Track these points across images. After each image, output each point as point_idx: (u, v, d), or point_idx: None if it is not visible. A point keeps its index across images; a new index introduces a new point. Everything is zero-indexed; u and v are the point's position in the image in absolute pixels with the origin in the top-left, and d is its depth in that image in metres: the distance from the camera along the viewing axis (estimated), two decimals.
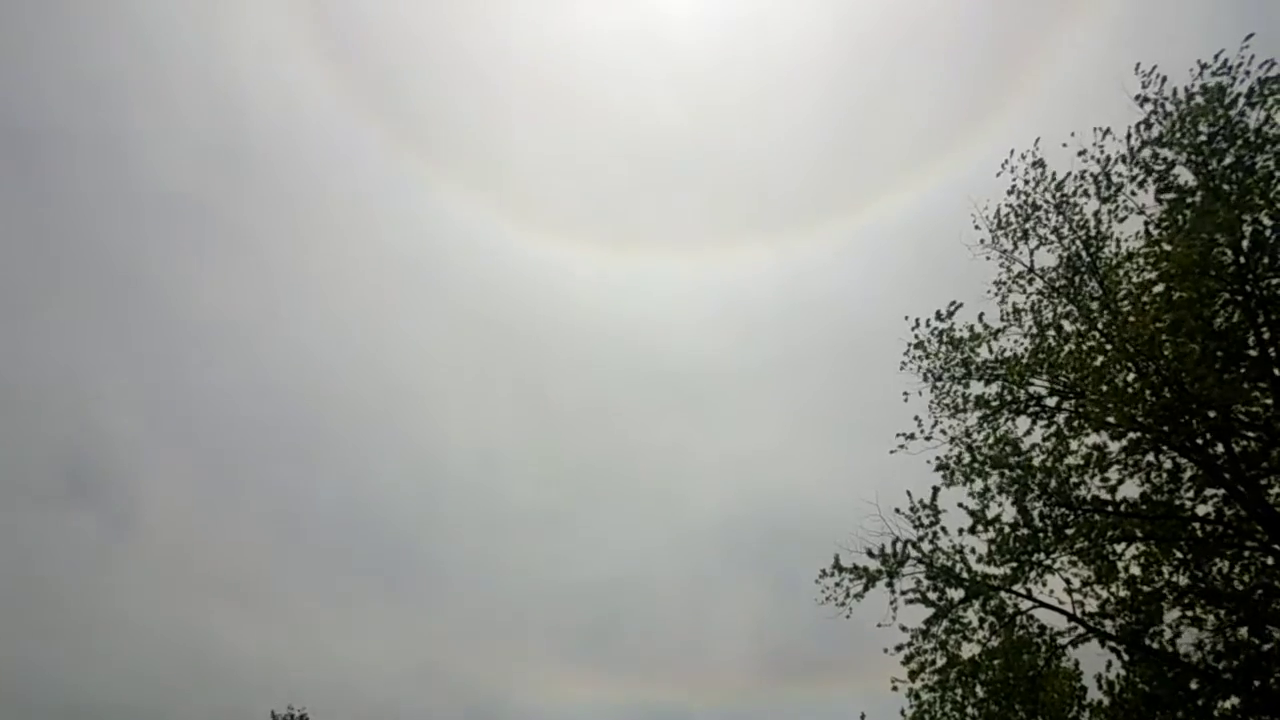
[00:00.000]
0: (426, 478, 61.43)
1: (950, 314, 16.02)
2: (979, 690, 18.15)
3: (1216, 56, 14.55)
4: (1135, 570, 15.05)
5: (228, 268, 65.11)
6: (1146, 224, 14.52)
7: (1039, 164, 15.68)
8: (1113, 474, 14.89)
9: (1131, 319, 13.88)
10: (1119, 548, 15.12)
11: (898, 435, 16.17)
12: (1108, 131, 15.16)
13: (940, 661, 16.40)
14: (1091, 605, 15.37)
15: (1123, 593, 15.04)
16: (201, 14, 61.28)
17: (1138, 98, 14.91)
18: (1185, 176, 14.46)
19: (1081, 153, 15.29)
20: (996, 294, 15.88)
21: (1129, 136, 14.98)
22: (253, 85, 63.58)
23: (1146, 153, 14.83)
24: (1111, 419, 14.26)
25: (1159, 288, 14.04)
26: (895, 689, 17.46)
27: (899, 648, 16.36)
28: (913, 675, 16.55)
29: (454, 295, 67.83)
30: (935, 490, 15.81)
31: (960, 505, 15.92)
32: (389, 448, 62.59)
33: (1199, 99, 14.39)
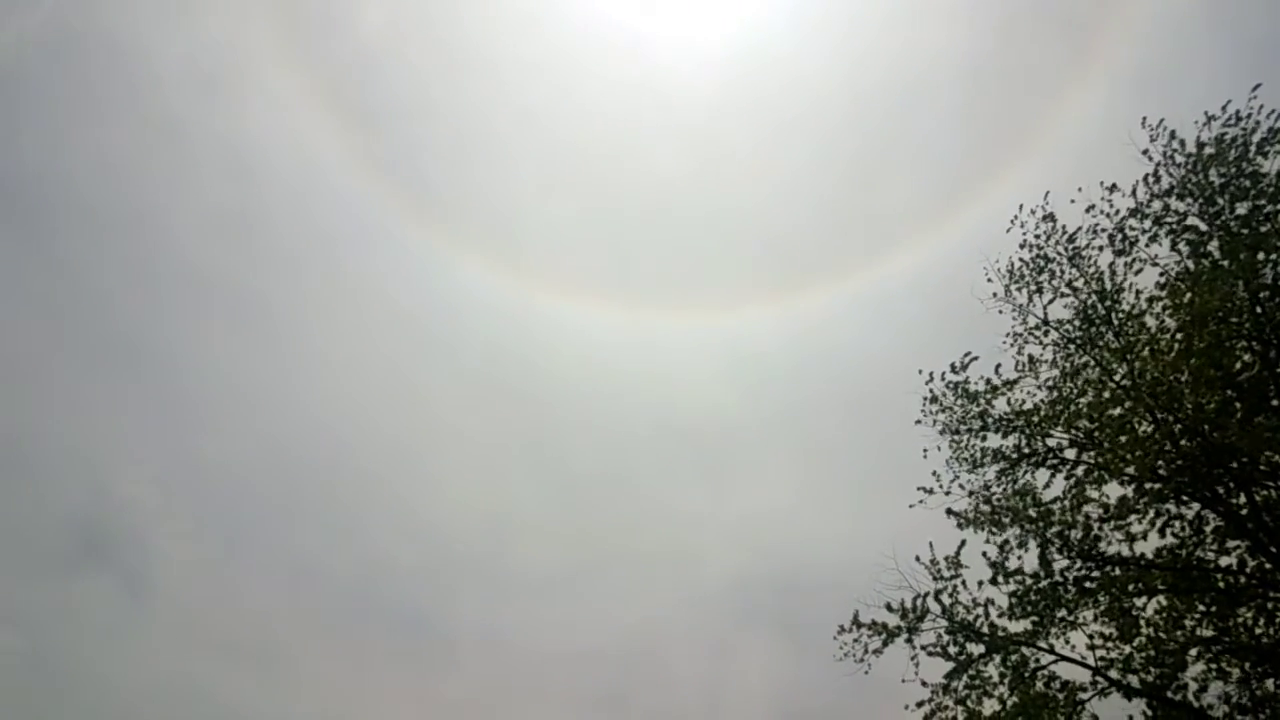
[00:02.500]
0: (437, 544, 61.11)
1: (965, 366, 16.02)
2: None
3: (1224, 107, 14.79)
4: (1158, 623, 14.90)
5: (241, 337, 65.40)
6: (1163, 274, 14.61)
7: (1049, 218, 15.79)
8: (1135, 526, 14.83)
9: (1150, 370, 13.90)
10: (1140, 601, 15.01)
11: (918, 489, 16.12)
12: (1114, 188, 15.34)
13: (961, 717, 16.20)
14: (1114, 656, 15.21)
15: (1146, 648, 14.88)
16: (219, 89, 62.23)
17: (1145, 151, 15.12)
18: (1199, 226, 14.63)
19: (1090, 208, 15.44)
20: (1011, 345, 15.89)
21: (1134, 191, 15.17)
22: (268, 157, 64.31)
23: (1157, 205, 15.00)
24: (1131, 469, 14.24)
25: (1178, 338, 14.09)
26: None
27: (919, 704, 16.15)
28: None
29: (464, 359, 67.97)
30: (961, 545, 15.71)
31: (984, 555, 15.83)
32: (400, 515, 62.33)
33: (1209, 149, 14.61)
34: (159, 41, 59.62)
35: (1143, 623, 15.00)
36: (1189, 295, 14.14)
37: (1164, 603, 14.96)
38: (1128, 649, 14.99)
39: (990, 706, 15.98)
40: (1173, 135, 14.99)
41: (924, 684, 15.96)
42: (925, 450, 16.25)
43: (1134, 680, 15.09)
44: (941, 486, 16.04)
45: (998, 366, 15.82)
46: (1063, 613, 15.08)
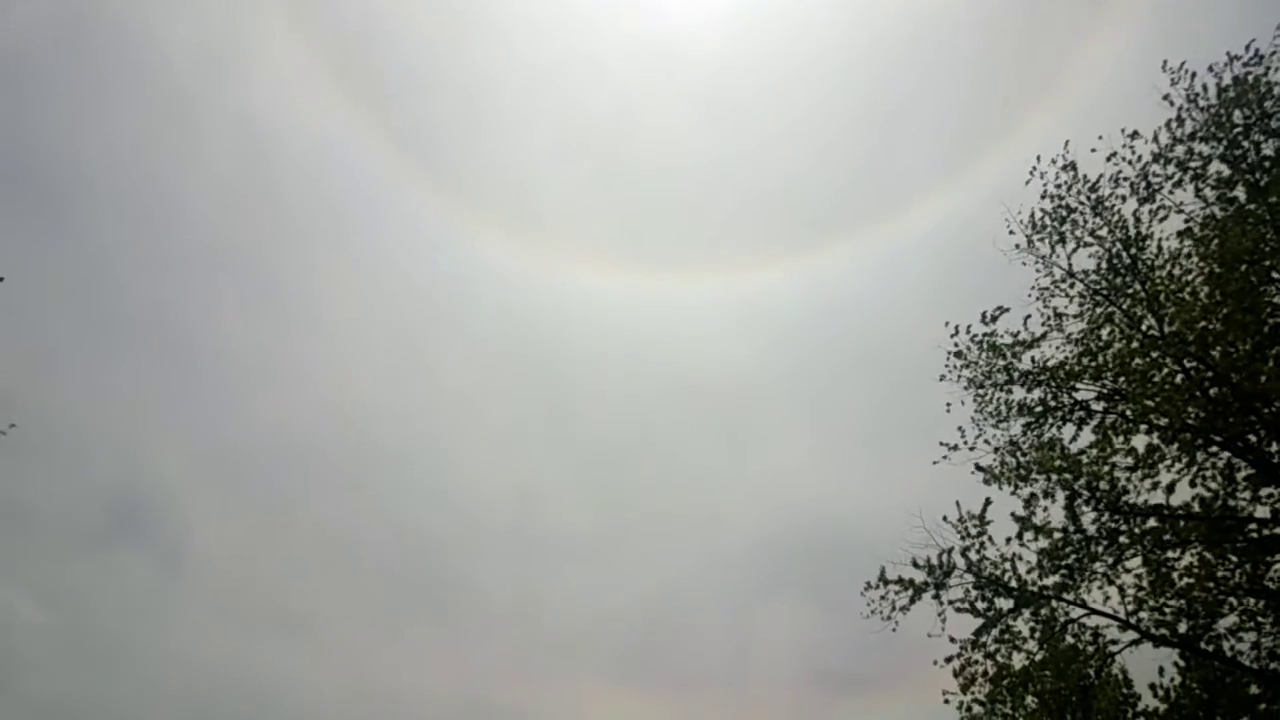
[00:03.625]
0: (463, 513, 61.46)
1: (995, 318, 15.81)
2: (1030, 701, 17.89)
3: (1248, 47, 14.50)
4: (1192, 575, 14.77)
5: (261, 313, 65.62)
6: (1188, 221, 14.36)
7: (1070, 167, 15.51)
8: (1164, 475, 14.66)
9: (1178, 318, 13.70)
10: (1173, 554, 14.88)
11: (941, 445, 15.93)
12: (1135, 134, 15.04)
13: (991, 672, 16.17)
14: (1145, 611, 15.11)
15: (1179, 599, 14.77)
16: (228, 67, 62.06)
17: (1167, 96, 14.82)
18: (1224, 169, 14.35)
19: (1111, 156, 15.15)
20: (1036, 299, 15.66)
21: (1155, 137, 14.87)
22: (279, 133, 64.20)
23: (1180, 150, 14.71)
24: (1160, 418, 14.08)
25: (1206, 284, 13.88)
26: (946, 701, 17.23)
27: (948, 659, 16.14)
28: (964, 687, 16.34)
29: (481, 330, 68.08)
30: (988, 502, 15.57)
31: (1011, 514, 15.68)
32: (425, 485, 62.67)
33: (1232, 91, 14.32)
34: (166, 21, 59.41)
35: (1176, 575, 14.87)
36: (1216, 240, 13.92)
37: (1197, 555, 14.82)
38: (1160, 600, 14.87)
39: (1019, 660, 15.98)
40: (1194, 78, 14.71)
41: (952, 639, 15.90)
42: (949, 405, 16.07)
43: (1166, 632, 15.00)
44: (966, 442, 15.89)
45: (1026, 318, 15.62)
46: (1094, 566, 14.94)
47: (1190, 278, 14.33)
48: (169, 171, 62.73)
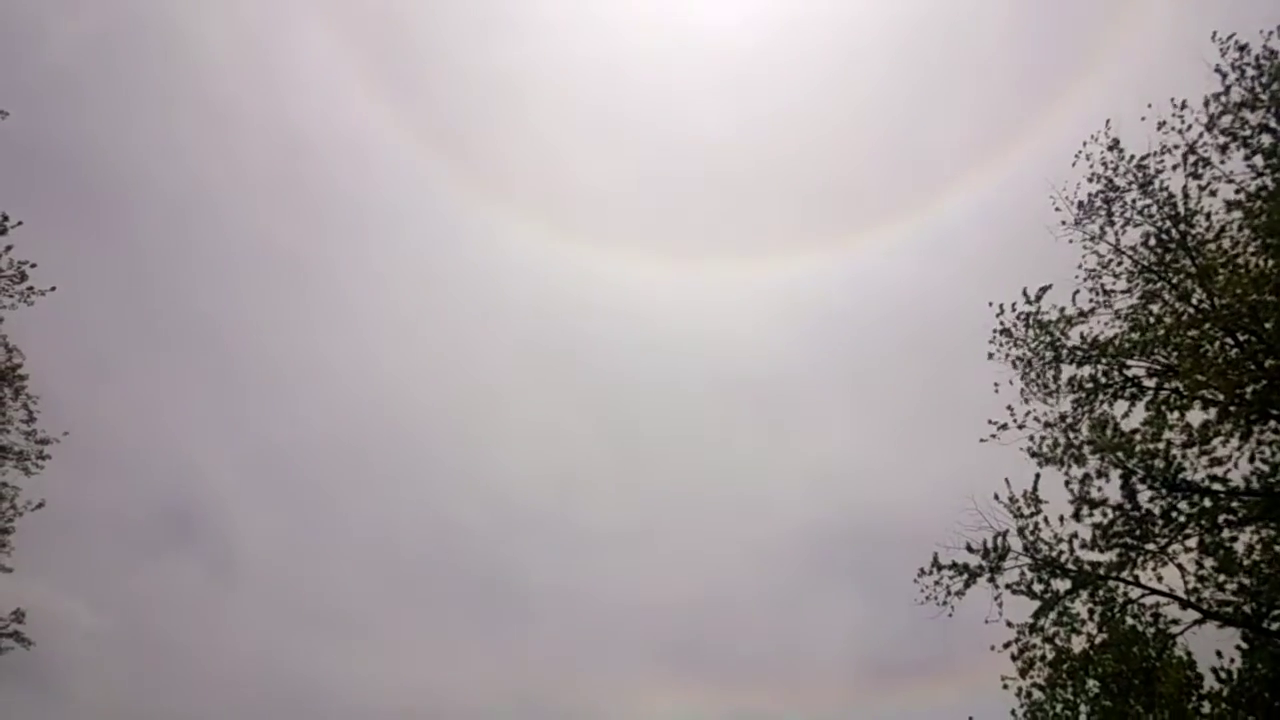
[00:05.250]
0: (505, 506, 61.90)
1: (1039, 296, 15.72)
2: (1091, 686, 17.64)
3: None
4: (1254, 553, 14.52)
5: (307, 312, 66.82)
6: (1238, 191, 14.20)
7: (1115, 145, 15.42)
8: (1219, 450, 14.45)
9: (1230, 290, 13.52)
10: (1233, 531, 14.64)
11: (990, 423, 15.83)
12: (1184, 104, 14.93)
13: (1050, 656, 15.96)
14: (1207, 590, 14.87)
15: (1244, 578, 14.52)
16: (268, 69, 63.58)
17: (1216, 67, 14.70)
18: (1274, 136, 14.20)
19: (1161, 124, 15.02)
20: (1085, 278, 15.55)
21: (1206, 104, 14.74)
22: (322, 135, 65.57)
23: (1227, 119, 14.58)
24: (1214, 392, 13.90)
25: (1257, 257, 13.71)
26: (1005, 687, 17.06)
27: (1006, 645, 15.97)
28: (1023, 672, 16.14)
29: (523, 324, 68.62)
30: (1037, 477, 15.48)
31: (1065, 485, 15.53)
32: (468, 479, 63.20)
33: None
34: (203, 28, 60.93)
35: (1240, 553, 14.63)
36: (1266, 210, 13.75)
37: (1258, 533, 14.57)
38: (1222, 578, 14.63)
39: (1079, 643, 15.76)
40: (1243, 49, 14.59)
41: (1009, 624, 15.77)
42: (996, 385, 15.99)
43: (1230, 610, 14.75)
44: (1015, 420, 15.77)
45: (1075, 294, 15.50)
46: (1151, 545, 14.75)
47: (1241, 250, 14.14)
48: (211, 176, 64.21)
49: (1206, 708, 17.44)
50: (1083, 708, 18.72)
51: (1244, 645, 15.59)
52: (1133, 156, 15.17)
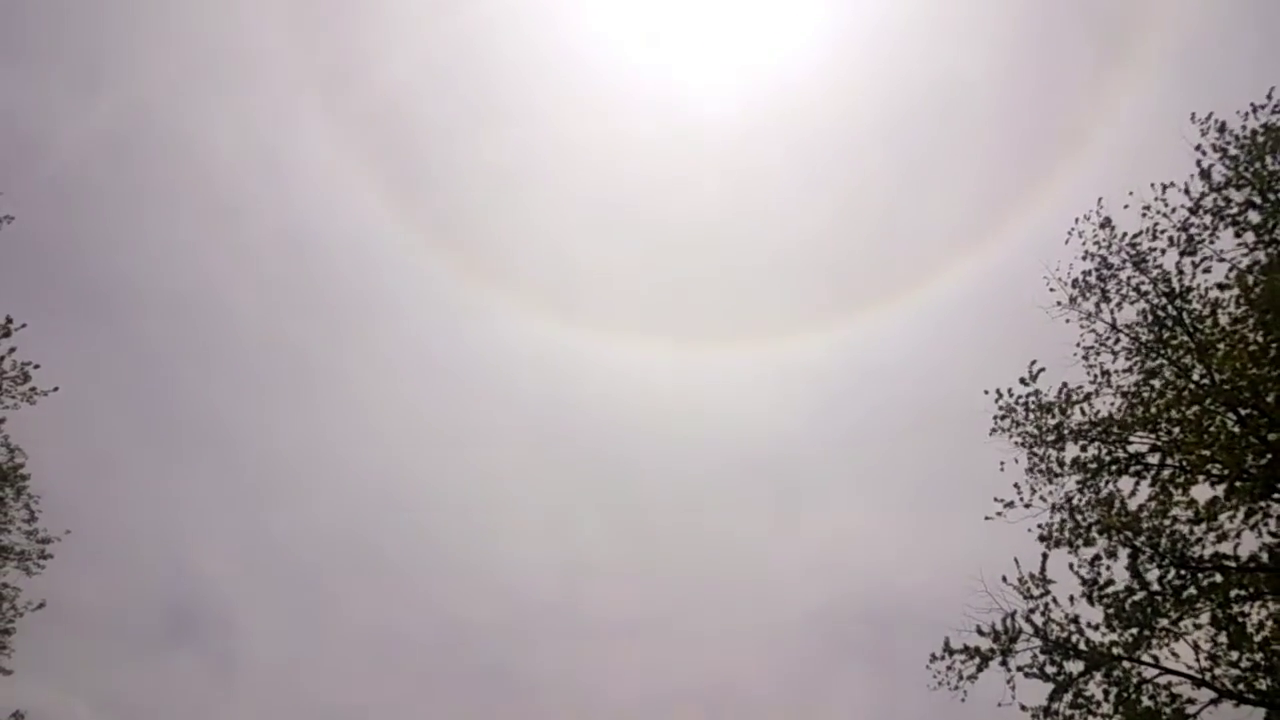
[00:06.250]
0: (512, 597, 61.29)
1: (1034, 377, 15.79)
2: None
3: (1269, 95, 14.71)
4: (1268, 628, 14.36)
5: (311, 405, 67.04)
6: (1232, 269, 14.35)
7: (1106, 223, 15.63)
8: (1227, 525, 14.38)
9: (1229, 365, 13.59)
10: (1247, 608, 14.50)
11: (996, 500, 15.78)
12: (1169, 185, 15.17)
13: None
14: (1221, 668, 14.68)
15: (1256, 654, 14.33)
16: (271, 169, 64.71)
17: (1198, 146, 14.96)
18: (1261, 213, 14.40)
19: (1146, 209, 15.25)
20: (1083, 356, 15.63)
21: (1186, 189, 14.99)
22: (325, 231, 66.47)
23: (1215, 199, 14.79)
24: (1219, 468, 13.88)
25: (1255, 332, 13.80)
26: None
27: None
28: None
29: (525, 412, 68.68)
30: (1045, 558, 15.38)
31: (1071, 567, 15.46)
32: (473, 572, 62.74)
33: (1261, 137, 14.47)
34: (210, 126, 62.07)
35: (1251, 629, 14.47)
36: (1261, 285, 13.88)
37: (1272, 607, 14.43)
38: (1236, 656, 14.44)
39: None
40: (1223, 128, 14.86)
41: (1023, 708, 15.52)
42: (1002, 463, 15.97)
43: (1244, 688, 14.53)
44: (1021, 499, 15.71)
45: (1064, 385, 15.59)
46: (1163, 623, 14.60)
47: (1238, 325, 14.23)
48: (217, 272, 64.93)
49: None
50: None
51: None
52: (1125, 234, 15.38)
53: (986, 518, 16.10)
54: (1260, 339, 13.91)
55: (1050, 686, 15.31)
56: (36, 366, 17.80)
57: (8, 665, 18.58)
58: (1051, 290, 15.84)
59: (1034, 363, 15.99)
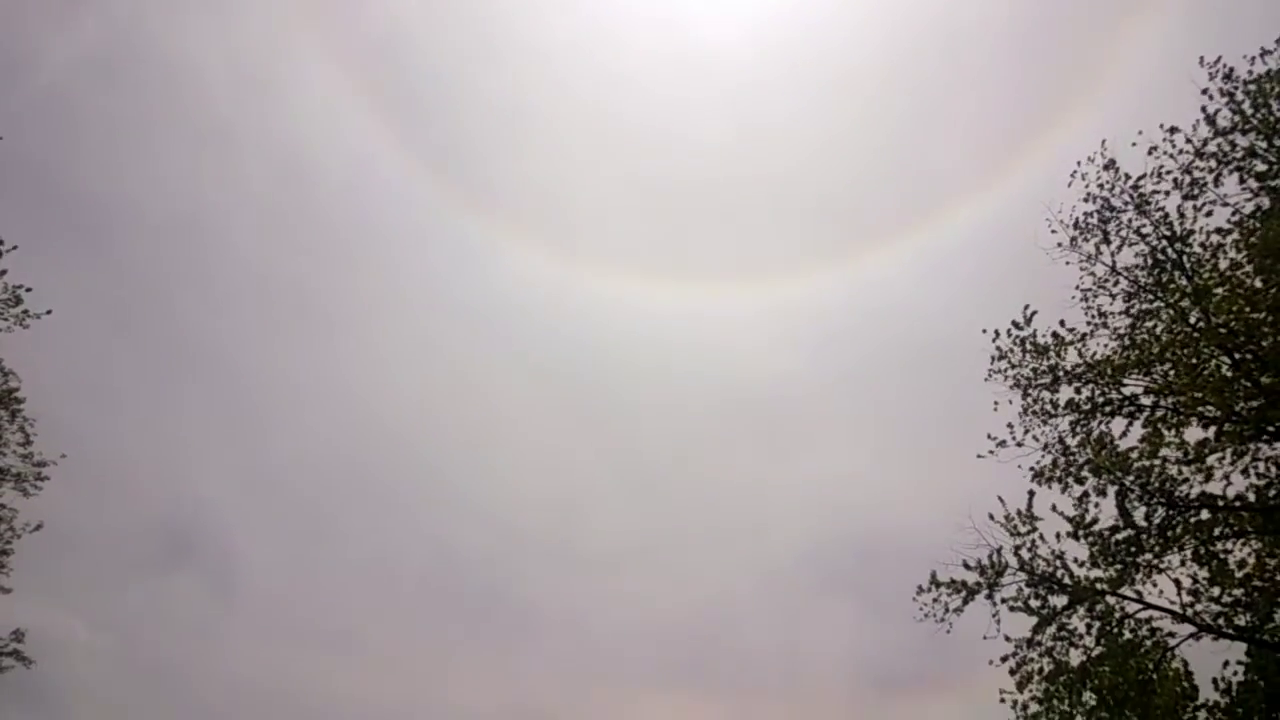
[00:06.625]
0: (506, 527, 61.86)
1: (1028, 320, 15.85)
2: (1088, 698, 17.85)
3: (1278, 40, 14.58)
4: (1249, 566, 14.73)
5: (303, 335, 66.66)
6: (1235, 214, 14.38)
7: (1110, 165, 15.54)
8: (1215, 466, 14.63)
9: (1225, 309, 13.70)
10: (1230, 545, 14.85)
11: (989, 437, 15.97)
12: (1175, 129, 15.07)
13: (1047, 670, 16.14)
14: (1203, 604, 15.07)
15: (1237, 590, 14.73)
16: (265, 91, 63.23)
17: (1205, 90, 14.85)
18: (1266, 159, 14.38)
19: (1152, 150, 15.17)
20: (1081, 299, 15.67)
21: (1194, 128, 14.91)
22: (318, 155, 65.31)
23: (1220, 143, 14.73)
24: (1210, 409, 14.07)
25: (1255, 279, 13.88)
26: (1003, 700, 17.25)
27: (1004, 659, 16.15)
28: (1020, 686, 16.32)
29: (522, 345, 68.59)
30: (1031, 495, 15.65)
31: (1054, 509, 15.73)
32: (468, 500, 63.14)
33: (1268, 83, 14.39)
34: (202, 49, 60.60)
35: (1233, 565, 14.84)
36: (1261, 230, 13.92)
37: (1254, 546, 14.78)
38: (1217, 592, 14.83)
39: (1076, 657, 15.97)
40: (1231, 72, 14.74)
41: (1007, 639, 15.96)
42: (995, 403, 16.11)
43: (1223, 624, 14.96)
44: (1014, 438, 15.90)
45: (1061, 322, 15.65)
46: (1148, 557, 14.95)
47: (1237, 269, 14.30)
48: (213, 199, 64.04)
49: (1202, 717, 17.70)
50: (1079, 719, 18.96)
51: (1247, 659, 15.80)
52: (1128, 177, 15.31)
53: (979, 456, 16.29)
54: (1258, 283, 14.00)
55: (1034, 620, 15.72)
56: (29, 290, 17.61)
57: (6, 584, 18.76)
58: (1053, 232, 15.83)
59: (1027, 306, 16.06)
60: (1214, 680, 16.37)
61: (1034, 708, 18.77)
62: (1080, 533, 15.24)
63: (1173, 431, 15.05)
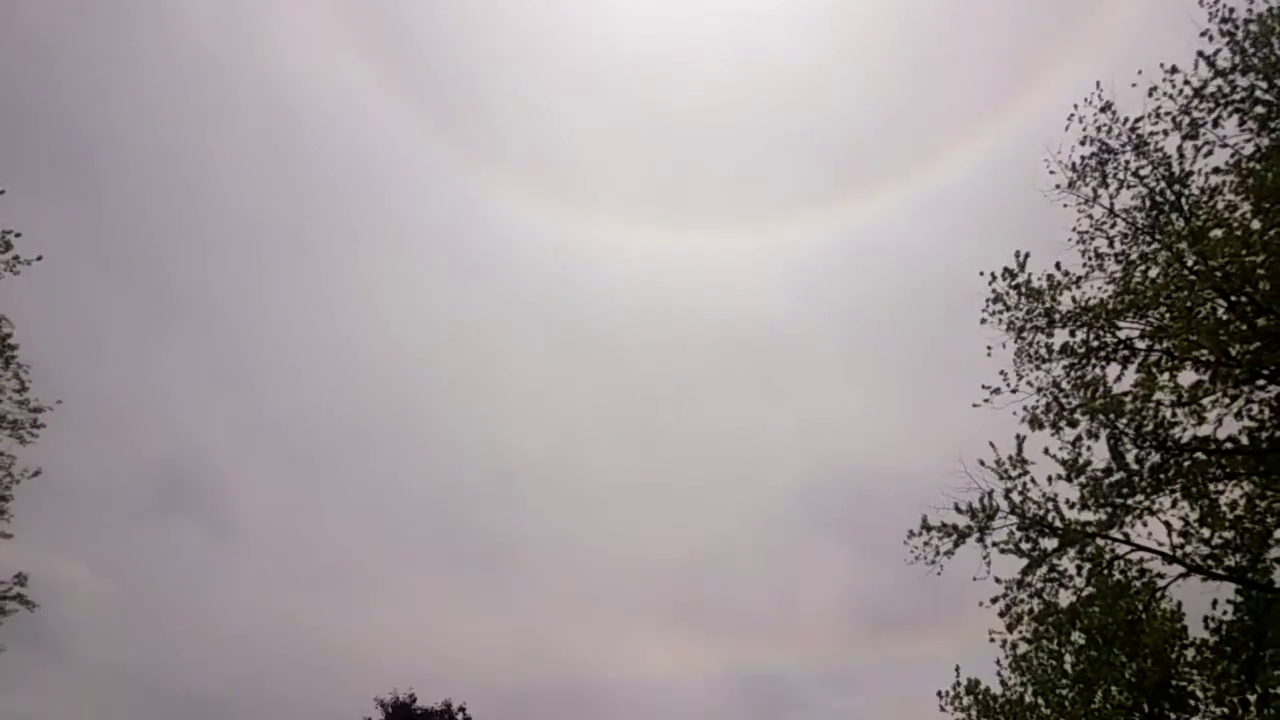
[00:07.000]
0: (508, 465, 62.22)
1: (1022, 265, 15.77)
2: (1077, 637, 18.13)
3: None
4: (1240, 508, 14.86)
5: (299, 277, 66.31)
6: (1234, 155, 14.24)
7: (1108, 107, 15.37)
8: (1209, 410, 14.66)
9: (1222, 251, 13.62)
10: (1222, 486, 14.95)
11: (983, 388, 15.98)
12: (1175, 69, 14.86)
13: (1037, 610, 16.33)
14: (1193, 545, 15.21)
15: (1227, 531, 14.86)
16: (253, 27, 62.03)
17: (1205, 32, 14.63)
18: (1266, 100, 14.20)
19: (1151, 90, 14.98)
20: (1077, 241, 15.60)
21: (1195, 67, 14.70)
22: (303, 90, 64.29)
23: (1220, 84, 14.53)
24: (1205, 353, 14.06)
25: (1253, 221, 13.79)
26: (992, 640, 17.54)
27: (994, 600, 16.32)
28: (1010, 626, 16.53)
29: (516, 287, 68.37)
30: (1021, 440, 15.71)
31: (1046, 452, 15.78)
32: (466, 440, 63.45)
33: (1269, 21, 14.19)
34: None
35: (1225, 507, 14.95)
36: (1260, 172, 13.80)
37: (1245, 488, 14.87)
38: (1208, 533, 14.96)
39: (1066, 598, 16.15)
40: (1231, 12, 14.51)
41: (997, 580, 16.11)
42: (989, 348, 16.07)
43: (1214, 565, 15.11)
44: (1008, 384, 15.92)
45: (1057, 265, 15.58)
46: (1139, 499, 15.05)
47: (1235, 212, 14.21)
48: (199, 137, 63.17)
49: (1190, 655, 18.01)
50: (1067, 658, 19.27)
51: (1237, 599, 16.01)
52: (1126, 119, 15.15)
53: (974, 405, 16.32)
54: (1256, 225, 13.91)
55: (1024, 562, 15.87)
56: (18, 235, 17.47)
57: (7, 530, 18.86)
58: (1051, 173, 15.69)
59: (1020, 252, 15.98)
60: (1204, 619, 16.62)
61: (1023, 647, 19.18)
62: (1072, 475, 15.31)
63: (1166, 375, 15.06)
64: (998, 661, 21.06)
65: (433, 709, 47.53)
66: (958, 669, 22.22)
